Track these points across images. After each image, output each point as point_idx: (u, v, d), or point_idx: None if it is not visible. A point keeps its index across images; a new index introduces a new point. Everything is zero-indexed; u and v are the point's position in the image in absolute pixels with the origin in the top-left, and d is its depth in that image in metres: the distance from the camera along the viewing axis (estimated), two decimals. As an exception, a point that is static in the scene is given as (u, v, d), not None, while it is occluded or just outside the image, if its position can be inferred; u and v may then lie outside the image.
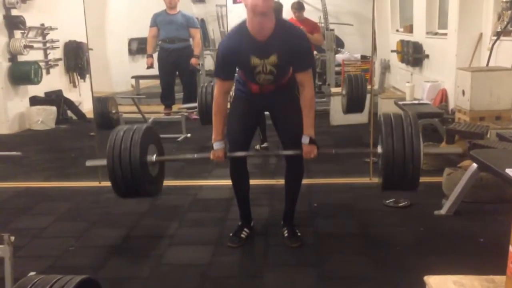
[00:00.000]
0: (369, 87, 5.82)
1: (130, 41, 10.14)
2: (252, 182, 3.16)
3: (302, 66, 2.81)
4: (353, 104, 5.65)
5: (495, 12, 5.90)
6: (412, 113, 2.89)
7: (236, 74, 3.00)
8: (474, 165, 3.26)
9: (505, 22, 5.54)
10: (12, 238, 2.26)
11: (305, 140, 2.82)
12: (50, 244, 3.16)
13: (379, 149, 2.86)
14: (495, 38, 5.74)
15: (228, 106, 3.08)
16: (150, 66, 6.78)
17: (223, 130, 2.90)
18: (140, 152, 2.88)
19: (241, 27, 2.75)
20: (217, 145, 2.88)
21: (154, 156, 3.06)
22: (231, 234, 3.11)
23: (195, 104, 5.61)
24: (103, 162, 2.97)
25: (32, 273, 2.69)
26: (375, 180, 4.18)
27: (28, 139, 6.48)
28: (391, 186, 2.88)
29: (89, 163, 3.28)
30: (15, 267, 2.26)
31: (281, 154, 2.94)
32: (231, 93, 3.07)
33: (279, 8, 4.96)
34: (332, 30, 8.81)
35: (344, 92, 5.75)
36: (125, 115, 6.00)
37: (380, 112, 2.98)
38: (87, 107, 7.75)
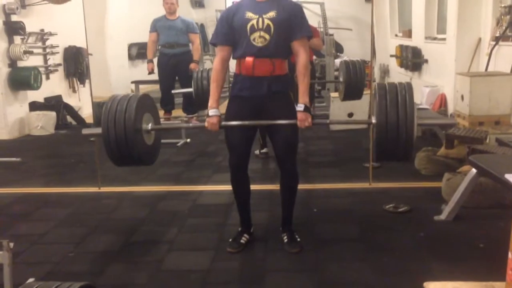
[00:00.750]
0: (367, 92, 5.82)
1: (130, 46, 10.15)
2: (252, 187, 3.16)
3: (299, 31, 2.83)
4: (351, 90, 5.55)
5: (494, 17, 5.92)
6: (407, 83, 2.89)
7: (232, 72, 3.01)
8: (474, 170, 3.26)
9: (504, 27, 5.56)
10: (11, 244, 2.25)
11: (299, 107, 2.81)
12: (49, 250, 3.16)
13: (373, 120, 2.88)
14: (493, 43, 5.76)
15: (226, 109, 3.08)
16: (151, 72, 6.79)
17: (219, 98, 2.91)
18: (134, 118, 2.88)
19: None
20: (212, 112, 2.87)
21: (150, 124, 3.06)
22: (230, 240, 3.10)
23: (191, 90, 5.58)
24: (99, 130, 2.98)
25: (31, 280, 2.69)
26: (375, 185, 4.19)
27: (27, 145, 6.49)
28: (385, 155, 2.89)
29: (85, 131, 3.31)
30: (14, 273, 2.25)
31: (276, 123, 2.88)
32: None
33: None
34: (332, 35, 8.83)
35: (341, 79, 5.68)
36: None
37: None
38: (86, 112, 7.76)
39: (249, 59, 2.82)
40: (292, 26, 2.81)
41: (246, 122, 2.91)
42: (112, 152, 2.95)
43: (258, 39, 2.80)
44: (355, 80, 5.45)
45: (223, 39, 2.89)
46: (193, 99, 5.87)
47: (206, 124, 2.89)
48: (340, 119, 6.30)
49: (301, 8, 2.94)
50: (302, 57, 2.84)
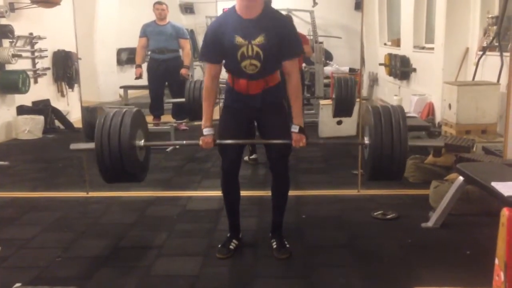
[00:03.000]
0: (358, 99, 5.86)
1: (119, 51, 10.13)
2: (241, 193, 3.16)
3: (289, 52, 2.81)
4: (341, 108, 5.64)
5: (481, 28, 6.01)
6: (399, 106, 2.95)
7: (225, 80, 3.02)
8: (461, 178, 3.30)
9: (491, 38, 5.64)
10: (-1, 248, 2.24)
11: (294, 129, 2.83)
12: (37, 255, 3.13)
13: (366, 140, 2.92)
14: (481, 53, 5.84)
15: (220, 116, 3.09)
16: (139, 77, 6.77)
17: (212, 116, 2.90)
18: (129, 135, 2.87)
19: (229, 10, 2.81)
20: (206, 131, 2.88)
21: (142, 140, 3.05)
22: (220, 245, 3.10)
23: (183, 100, 5.59)
24: (89, 145, 2.96)
25: (18, 285, 2.67)
26: (364, 192, 4.22)
27: (14, 149, 6.43)
28: (378, 176, 2.95)
29: (73, 146, 3.23)
30: (1, 278, 2.24)
31: (271, 143, 2.93)
32: (220, 104, 3.07)
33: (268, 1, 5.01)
34: (321, 43, 8.89)
35: (334, 96, 5.76)
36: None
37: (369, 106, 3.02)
38: (75, 117, 7.71)
39: (242, 81, 2.86)
40: (282, 48, 2.78)
41: (240, 141, 2.97)
42: (105, 168, 2.92)
43: (249, 66, 2.80)
44: (345, 97, 5.53)
45: (212, 58, 2.87)
46: (182, 105, 5.87)
47: (200, 142, 2.90)
48: (329, 126, 6.36)
49: (291, 26, 2.88)
50: (293, 78, 2.83)
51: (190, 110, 5.17)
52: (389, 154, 2.74)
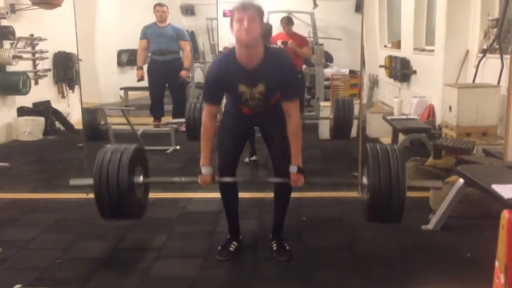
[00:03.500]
0: (358, 101, 5.86)
1: (119, 52, 10.14)
2: (241, 195, 3.17)
3: (288, 95, 2.83)
4: (339, 128, 5.57)
5: (482, 30, 6.00)
6: (397, 147, 2.96)
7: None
8: (461, 180, 3.30)
9: (491, 40, 5.63)
10: (-1, 250, 2.24)
11: (293, 169, 2.84)
12: (37, 256, 3.13)
13: (365, 180, 2.90)
14: (481, 55, 5.83)
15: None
16: (141, 79, 6.78)
17: (210, 155, 2.91)
18: (128, 174, 2.87)
19: (230, 53, 2.79)
20: (205, 170, 2.88)
21: (141, 177, 3.05)
22: (219, 247, 3.10)
23: (183, 120, 5.61)
24: (88, 181, 2.96)
25: (17, 286, 2.68)
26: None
27: (15, 150, 6.43)
28: (376, 218, 2.93)
29: (73, 182, 3.24)
30: (1, 279, 2.24)
31: (269, 181, 3.00)
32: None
33: (268, 30, 5.01)
34: (322, 45, 8.89)
35: (331, 116, 5.75)
36: (114, 127, 5.98)
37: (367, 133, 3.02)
38: (75, 118, 7.71)
39: (244, 108, 2.96)
40: (282, 90, 2.82)
41: (238, 178, 3.09)
42: (103, 207, 2.91)
43: (252, 103, 2.87)
44: (343, 117, 5.44)
45: (214, 100, 2.88)
46: (183, 106, 5.88)
47: (199, 181, 2.91)
48: (329, 128, 6.36)
49: (290, 70, 2.86)
50: (293, 119, 2.83)
51: (189, 131, 5.18)
52: (387, 196, 2.72)
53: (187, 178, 3.25)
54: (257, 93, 2.80)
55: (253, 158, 5.29)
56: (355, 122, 5.67)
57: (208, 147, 2.90)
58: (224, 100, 3.04)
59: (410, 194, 4.17)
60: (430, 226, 3.44)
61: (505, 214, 1.69)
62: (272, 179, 3.06)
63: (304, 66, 7.10)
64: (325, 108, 6.51)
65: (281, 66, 2.79)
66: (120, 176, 2.84)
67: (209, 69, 2.97)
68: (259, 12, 2.66)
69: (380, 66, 9.51)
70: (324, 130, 6.56)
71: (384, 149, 2.85)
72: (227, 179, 2.98)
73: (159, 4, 6.70)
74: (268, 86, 2.77)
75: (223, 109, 3.17)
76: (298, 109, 2.90)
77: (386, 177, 2.72)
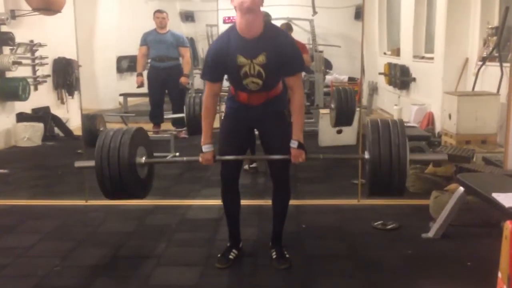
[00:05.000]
0: (358, 108, 5.86)
1: (119, 58, 10.14)
2: (241, 202, 3.15)
3: (291, 69, 2.81)
4: (342, 117, 5.65)
5: (481, 38, 6.02)
6: (399, 120, 2.94)
7: (227, 88, 3.01)
8: (461, 188, 3.29)
9: (491, 48, 5.65)
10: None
11: (293, 144, 2.82)
12: (35, 264, 3.11)
13: (366, 155, 2.88)
14: (480, 63, 5.85)
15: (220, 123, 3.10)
16: (140, 85, 6.78)
17: (212, 133, 2.90)
18: (128, 153, 2.87)
19: (231, 28, 2.80)
20: (206, 148, 2.89)
21: (144, 158, 3.05)
22: (219, 255, 3.08)
23: (183, 115, 5.60)
24: (92, 163, 2.96)
25: (16, 294, 2.66)
26: (364, 202, 4.20)
27: (14, 156, 6.41)
28: (378, 191, 2.92)
29: (77, 164, 3.26)
30: None
31: (269, 158, 2.95)
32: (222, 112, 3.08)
33: (267, 17, 5.02)
34: (321, 51, 8.90)
35: (332, 106, 5.76)
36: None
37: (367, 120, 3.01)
38: (74, 124, 7.71)
39: (243, 94, 2.89)
40: (284, 65, 2.78)
41: (240, 157, 2.98)
42: (104, 186, 2.94)
43: (251, 84, 2.82)
44: (345, 106, 5.52)
45: (214, 77, 2.87)
46: (183, 111, 5.87)
47: (200, 159, 2.91)
48: (329, 135, 6.36)
49: (291, 43, 2.85)
50: (296, 93, 2.83)
51: (190, 125, 5.18)
52: (388, 169, 2.71)
53: (189, 158, 3.25)
54: (258, 66, 2.74)
55: (253, 165, 5.28)
56: (355, 127, 5.69)
57: (209, 127, 2.89)
58: (224, 101, 3.03)
59: (410, 202, 4.21)
60: (430, 234, 3.43)
61: (508, 225, 1.68)
62: (273, 156, 2.94)
63: (303, 74, 7.10)
64: (325, 116, 6.50)
65: (281, 38, 2.80)
66: (120, 153, 2.85)
67: (209, 47, 2.98)
68: None
69: (380, 74, 9.54)
70: (324, 138, 6.56)
71: (385, 122, 2.84)
72: (228, 157, 2.92)
73: (159, 11, 6.72)
74: (268, 57, 2.73)
75: (222, 111, 3.16)
76: (302, 83, 2.89)
77: (387, 149, 2.71)
